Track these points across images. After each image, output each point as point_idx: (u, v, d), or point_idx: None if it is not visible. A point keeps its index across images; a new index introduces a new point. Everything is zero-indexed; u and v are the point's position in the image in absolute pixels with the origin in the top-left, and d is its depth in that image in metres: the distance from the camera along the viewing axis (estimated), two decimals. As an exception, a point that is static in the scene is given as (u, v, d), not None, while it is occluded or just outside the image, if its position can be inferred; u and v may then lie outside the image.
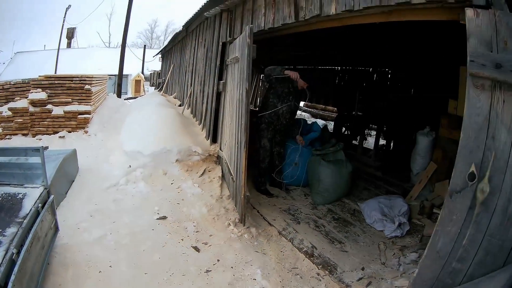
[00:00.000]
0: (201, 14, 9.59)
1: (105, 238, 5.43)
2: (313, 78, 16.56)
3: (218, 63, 8.38)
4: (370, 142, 13.61)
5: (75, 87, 11.40)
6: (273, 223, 6.55)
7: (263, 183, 8.06)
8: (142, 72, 39.66)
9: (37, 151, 4.28)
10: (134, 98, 22.54)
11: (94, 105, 11.85)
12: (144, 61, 40.87)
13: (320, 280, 5.04)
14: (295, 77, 7.19)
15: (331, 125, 15.20)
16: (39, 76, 11.26)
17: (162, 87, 19.14)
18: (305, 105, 25.30)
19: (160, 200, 6.80)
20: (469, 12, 2.95)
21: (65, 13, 37.56)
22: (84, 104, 11.28)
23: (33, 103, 10.64)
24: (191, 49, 12.63)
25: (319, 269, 5.25)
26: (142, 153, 7.80)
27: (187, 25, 12.91)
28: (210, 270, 5.01)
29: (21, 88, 11.18)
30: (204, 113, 9.48)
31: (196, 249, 5.49)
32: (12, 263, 3.19)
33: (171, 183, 7.40)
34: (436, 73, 9.94)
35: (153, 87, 30.83)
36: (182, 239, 5.69)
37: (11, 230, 3.49)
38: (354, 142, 12.31)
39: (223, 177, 7.66)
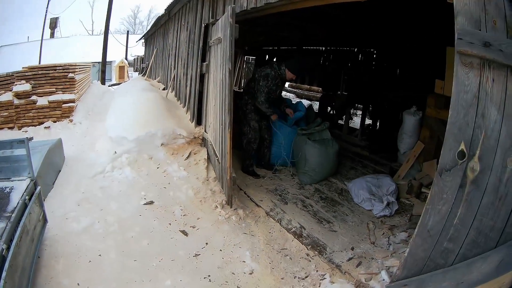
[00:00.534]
0: (183, -4, 9.44)
1: (93, 226, 5.38)
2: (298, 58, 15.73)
3: (201, 45, 8.33)
4: (356, 122, 13.75)
5: (58, 76, 11.28)
6: (260, 204, 6.56)
7: (250, 164, 8.06)
8: (126, 58, 39.04)
9: (22, 143, 4.24)
10: (118, 84, 22.38)
11: (78, 93, 11.79)
12: (128, 47, 40.76)
13: (310, 261, 5.05)
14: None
15: (316, 106, 15.08)
16: (23, 67, 11.14)
17: (145, 72, 19.05)
18: (290, 86, 25.24)
19: (147, 185, 6.76)
20: (457, -9, 2.89)
21: (48, 3, 37.14)
22: (68, 93, 11.20)
23: (18, 95, 10.51)
24: (174, 33, 12.56)
25: (308, 250, 5.25)
26: (127, 138, 7.71)
27: (170, 9, 12.86)
28: (199, 254, 5.01)
29: (5, 81, 10.90)
30: (188, 96, 9.45)
31: (184, 233, 5.48)
32: (2, 259, 3.13)
33: (157, 167, 7.35)
34: (422, 53, 9.90)
35: (137, 73, 30.67)
36: (170, 224, 5.69)
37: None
38: (339, 121, 12.22)
39: (208, 159, 7.64)
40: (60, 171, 7.24)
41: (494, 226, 2.85)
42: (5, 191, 4.01)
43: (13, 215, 3.62)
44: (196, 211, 6.11)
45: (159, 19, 16.35)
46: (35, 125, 10.52)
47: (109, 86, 18.64)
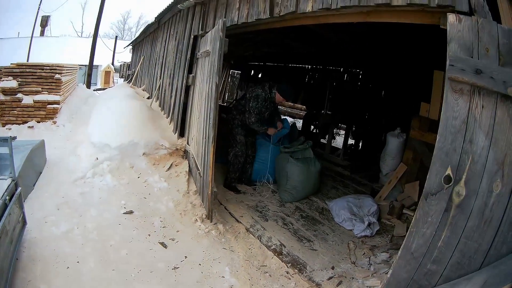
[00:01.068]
0: (174, 6, 9.50)
1: (72, 232, 5.30)
2: (283, 75, 16.49)
3: (188, 56, 8.27)
4: (338, 142, 13.70)
5: (45, 76, 10.99)
6: (240, 219, 6.50)
7: (234, 179, 8.01)
8: (113, 64, 38.94)
9: (5, 141, 4.17)
10: (103, 89, 22.29)
11: (63, 95, 11.57)
12: (115, 53, 40.48)
13: (290, 279, 5.00)
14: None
15: (299, 123, 15.12)
16: (11, 64, 10.96)
17: (131, 79, 18.93)
18: None
19: (127, 194, 6.69)
20: (451, 18, 2.93)
21: (40, 0, 36.96)
22: (53, 94, 10.96)
23: (4, 91, 10.31)
24: (162, 42, 12.50)
25: (288, 268, 5.20)
26: (109, 146, 7.66)
27: (160, 17, 12.84)
28: (178, 267, 4.93)
29: (-8, 75, 10.70)
30: (172, 107, 9.38)
31: (163, 245, 5.41)
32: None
33: (138, 177, 7.28)
34: (408, 75, 9.92)
35: (122, 79, 30.59)
36: (149, 235, 5.61)
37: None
38: (322, 140, 12.26)
39: (190, 172, 7.55)
40: (41, 173, 7.14)
41: (478, 249, 2.87)
42: (-15, 189, 3.94)
43: (-8, 214, 3.53)
44: (176, 223, 6.04)
45: (148, 27, 16.36)
46: (19, 124, 10.30)
47: (94, 90, 18.37)
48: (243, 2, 5.93)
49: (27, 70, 10.81)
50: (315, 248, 5.79)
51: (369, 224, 6.35)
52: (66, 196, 6.30)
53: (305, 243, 5.93)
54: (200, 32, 7.78)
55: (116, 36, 46.60)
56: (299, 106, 20.46)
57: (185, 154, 8.09)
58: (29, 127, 10.24)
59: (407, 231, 5.75)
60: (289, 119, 15.00)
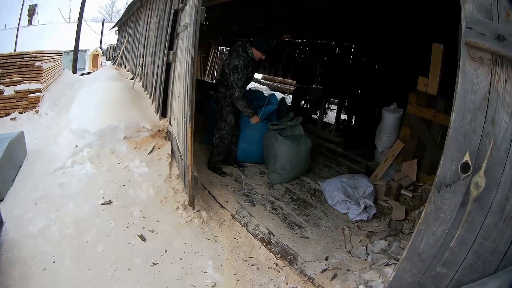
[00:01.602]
0: (155, -21, 9.01)
1: (49, 229, 4.94)
2: (273, 50, 15.82)
3: (169, 31, 7.81)
4: (330, 117, 13.27)
5: (26, 65, 10.71)
6: (225, 205, 6.02)
7: (218, 161, 7.47)
8: (100, 47, 38.67)
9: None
10: (90, 73, 21.85)
11: (45, 83, 11.33)
12: (103, 36, 40.15)
13: (279, 272, 4.63)
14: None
15: (290, 99, 14.76)
16: (-8, 55, 10.61)
17: (116, 60, 18.62)
18: (263, 78, 25.16)
19: (106, 182, 6.23)
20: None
21: None
22: (35, 82, 10.70)
23: (-15, 85, 9.96)
24: (145, 19, 12.08)
25: (277, 259, 4.81)
26: (89, 131, 7.25)
27: None
28: (157, 263, 4.55)
29: (-27, 69, 10.45)
30: (154, 86, 8.97)
31: (142, 238, 5.01)
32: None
33: (118, 163, 6.87)
34: (403, 48, 9.69)
35: (110, 61, 30.21)
36: (128, 227, 5.20)
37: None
38: (313, 116, 11.88)
39: (172, 154, 7.13)
40: (21, 166, 6.80)
41: (495, 250, 2.46)
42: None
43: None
44: (156, 212, 5.63)
45: (131, 5, 15.89)
46: (2, 116, 10.01)
47: (80, 75, 18.08)
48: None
49: (8, 60, 10.55)
50: (307, 236, 5.38)
51: (365, 207, 5.93)
52: (44, 190, 5.92)
53: (296, 230, 5.51)
54: (180, 5, 7.24)
55: (103, 19, 46.14)
56: (290, 81, 20.23)
57: (168, 135, 7.62)
58: (11, 119, 9.93)
59: (406, 215, 5.44)
60: (279, 95, 14.64)
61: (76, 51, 22.17)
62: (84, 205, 5.56)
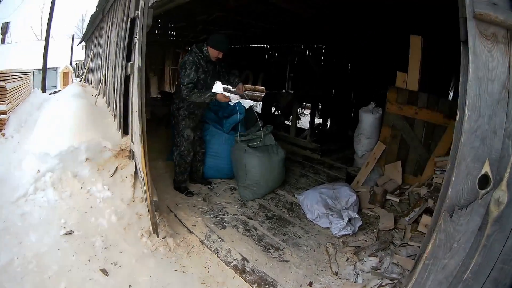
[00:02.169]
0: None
1: (12, 264, 4.52)
2: (241, 57, 16.16)
3: (126, 42, 7.22)
4: (304, 122, 12.94)
5: None
6: (193, 230, 5.47)
7: (183, 180, 6.87)
8: (71, 64, 38.31)
9: None
10: (59, 91, 21.46)
11: (11, 103, 10.72)
12: (73, 52, 39.66)
13: (258, 305, 4.07)
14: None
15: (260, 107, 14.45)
16: (-48, 77, 10.15)
17: (83, 77, 18.23)
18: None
19: (68, 210, 5.70)
20: None
21: None
22: None
23: None
24: (106, 32, 11.56)
25: (254, 290, 4.26)
26: (50, 155, 6.74)
27: (103, 6, 11.99)
28: (121, 302, 4.02)
29: None
30: (115, 102, 8.47)
31: (104, 272, 4.50)
32: None
33: (81, 187, 6.32)
34: (377, 44, 9.43)
35: (78, 78, 29.99)
36: (89, 260, 4.72)
37: None
38: (286, 122, 11.55)
39: (136, 174, 6.58)
40: None
41: None
42: None
43: None
44: (119, 241, 5.12)
45: (93, 18, 15.34)
46: (-32, 141, 9.57)
47: (50, 94, 17.55)
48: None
49: (-28, 81, 10.03)
50: (286, 259, 4.83)
51: (349, 220, 5.40)
52: (7, 220, 5.45)
53: (273, 253, 4.96)
54: (136, 12, 6.69)
55: (73, 35, 45.54)
56: (260, 88, 19.86)
57: (131, 154, 7.03)
58: None
59: (395, 223, 4.90)
60: (250, 103, 14.27)
61: (44, 69, 21.47)
62: (45, 237, 5.12)
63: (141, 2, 4.43)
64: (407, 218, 5.56)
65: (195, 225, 5.61)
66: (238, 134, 6.93)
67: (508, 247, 1.93)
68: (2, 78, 10.23)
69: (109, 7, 11.04)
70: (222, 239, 5.21)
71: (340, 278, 4.44)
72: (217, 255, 4.88)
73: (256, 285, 4.27)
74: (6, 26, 43.84)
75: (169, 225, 5.52)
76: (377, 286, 4.08)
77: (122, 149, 7.11)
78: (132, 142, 6.65)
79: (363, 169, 6.91)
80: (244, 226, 5.65)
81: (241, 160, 6.53)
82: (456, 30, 2.06)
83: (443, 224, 2.10)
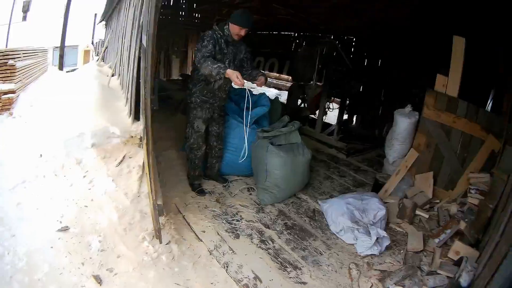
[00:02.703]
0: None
1: (2, 259, 4.26)
2: (266, 44, 15.95)
3: (141, 21, 6.57)
4: (329, 117, 12.19)
5: None
6: (202, 236, 4.86)
7: (196, 177, 6.25)
8: (92, 42, 38.22)
9: None
10: (75, 70, 21.26)
11: (20, 82, 10.53)
12: (94, 31, 39.67)
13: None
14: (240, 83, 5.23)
15: (284, 96, 13.98)
16: (-39, 55, 10.01)
17: (101, 56, 17.96)
18: None
19: (67, 202, 5.20)
20: None
21: None
22: (8, 82, 9.86)
23: (-44, 86, 9.36)
24: (124, 10, 11.11)
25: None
26: (54, 138, 6.46)
27: None
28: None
29: None
30: (127, 84, 8.00)
31: (98, 279, 4.03)
32: None
33: (84, 176, 5.81)
34: (416, 43, 8.79)
35: (98, 56, 30.10)
36: (83, 263, 4.26)
37: None
38: (312, 116, 11.06)
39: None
40: None
41: None
42: None
43: None
44: (117, 243, 4.58)
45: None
46: (-26, 120, 9.44)
47: (67, 72, 17.27)
48: None
49: (-20, 60, 9.91)
50: (304, 280, 4.24)
51: (376, 239, 4.79)
52: (2, 210, 5.10)
53: (290, 272, 4.35)
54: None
55: (96, 14, 45.57)
56: (285, 77, 19.35)
57: (142, 141, 6.41)
58: None
59: (424, 245, 4.90)
60: (274, 91, 13.85)
61: (62, 47, 20.97)
62: (39, 231, 4.75)
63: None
64: (436, 240, 5.01)
65: (204, 231, 5.03)
66: (261, 128, 6.34)
67: None
68: (11, 56, 10.04)
69: (127, -15, 10.54)
70: (233, 251, 4.63)
71: (363, 309, 3.84)
72: (226, 269, 4.31)
73: (267, 312, 3.66)
74: (28, 4, 44.12)
75: (175, 228, 4.97)
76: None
77: (132, 136, 6.63)
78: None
79: (393, 178, 6.35)
80: (260, 236, 5.04)
81: (262, 159, 5.93)
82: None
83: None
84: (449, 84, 5.94)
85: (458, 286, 3.62)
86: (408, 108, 6.79)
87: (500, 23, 5.94)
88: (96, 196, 5.41)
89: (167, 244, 4.57)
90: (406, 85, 8.84)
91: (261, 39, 16.24)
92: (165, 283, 4.05)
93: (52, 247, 4.47)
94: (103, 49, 17.42)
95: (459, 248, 4.42)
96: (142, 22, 5.59)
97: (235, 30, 5.39)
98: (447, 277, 4.09)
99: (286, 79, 19.77)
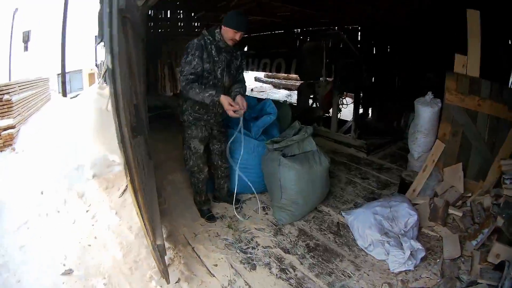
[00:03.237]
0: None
1: None
2: (269, 45, 15.51)
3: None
4: (343, 112, 11.67)
5: None
6: (214, 271, 4.27)
7: (203, 202, 5.56)
8: (96, 64, 38.33)
9: None
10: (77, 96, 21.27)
11: (20, 116, 10.48)
12: (97, 52, 39.86)
13: None
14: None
15: (294, 97, 13.57)
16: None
17: (101, 78, 17.85)
18: (265, 76, 24.65)
19: (70, 242, 4.97)
20: None
21: (13, 16, 36.43)
22: (6, 118, 9.81)
23: (-47, 126, 9.40)
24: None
25: None
26: (54, 172, 6.41)
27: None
28: None
29: None
30: None
31: None
32: None
33: (87, 211, 5.57)
34: (423, 21, 8.25)
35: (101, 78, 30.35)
36: None
37: None
38: (326, 115, 10.46)
39: (150, 191, 5.47)
40: None
41: None
42: None
43: None
44: (123, 285, 4.14)
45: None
46: (-22, 158, 9.43)
47: (71, 98, 17.23)
48: None
49: (-26, 97, 10.00)
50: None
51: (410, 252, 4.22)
52: (6, 254, 4.94)
53: (317, 305, 3.74)
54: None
55: (96, 36, 45.84)
56: (294, 76, 19.03)
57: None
58: None
59: (462, 249, 4.42)
60: (284, 92, 13.40)
61: (63, 73, 21.21)
62: (44, 276, 4.50)
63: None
64: (474, 242, 4.45)
65: (216, 265, 4.44)
66: (270, 140, 5.62)
67: None
68: (5, 91, 9.94)
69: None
70: (250, 286, 4.04)
71: None
72: (243, 310, 3.71)
73: None
74: (27, 34, 44.75)
75: (185, 263, 4.43)
76: None
77: (134, 162, 6.21)
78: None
79: (420, 175, 5.76)
80: (279, 264, 4.40)
81: (274, 174, 5.24)
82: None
83: None
84: (468, 63, 5.41)
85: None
86: (429, 95, 6.15)
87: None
88: (100, 232, 5.16)
89: (176, 282, 4.09)
90: (420, 70, 8.40)
91: (265, 40, 15.89)
92: (176, 326, 3.60)
93: (57, 293, 4.03)
94: (103, 70, 17.25)
95: (499, 249, 3.90)
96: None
97: (229, 34, 4.67)
98: (489, 285, 3.56)
99: (295, 79, 19.56)
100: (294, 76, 18.05)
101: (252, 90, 22.50)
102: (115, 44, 2.64)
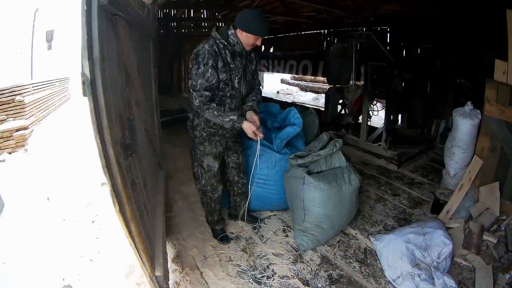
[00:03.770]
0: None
1: None
2: (294, 46, 15.15)
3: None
4: (373, 118, 11.16)
5: (7, 101, 10.09)
6: (225, 304, 3.70)
7: (216, 222, 4.94)
8: None
9: None
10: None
11: (33, 116, 10.83)
12: None
13: None
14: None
15: (322, 100, 13.18)
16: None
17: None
18: (291, 78, 24.56)
19: (74, 254, 4.91)
20: None
21: (34, 16, 36.74)
22: (19, 119, 10.19)
23: (-32, 128, 9.71)
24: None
25: None
26: (62, 177, 6.56)
27: None
28: None
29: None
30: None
31: None
32: None
33: (93, 221, 5.47)
34: (459, 23, 7.86)
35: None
36: None
37: None
38: (354, 122, 9.93)
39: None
40: None
41: None
42: None
43: None
44: None
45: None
46: (-8, 158, 9.52)
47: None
48: None
49: (-12, 99, 9.69)
50: None
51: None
52: (8, 264, 4.91)
53: None
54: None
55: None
56: (321, 78, 18.87)
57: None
58: (0, 161, 9.42)
59: (494, 284, 3.89)
60: (311, 95, 13.05)
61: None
62: None
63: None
64: (507, 276, 3.94)
65: (227, 295, 3.90)
66: (294, 154, 5.01)
67: None
68: (18, 92, 10.24)
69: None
70: (261, 325, 3.48)
71: None
72: None
73: None
74: (51, 33, 45.39)
75: (192, 288, 3.94)
76: None
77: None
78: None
79: (455, 195, 5.20)
80: None
81: (297, 193, 4.65)
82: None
83: None
84: (509, 70, 4.81)
85: None
86: (469, 106, 5.58)
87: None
88: (103, 247, 5.07)
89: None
90: (449, 74, 8.10)
91: (290, 41, 15.54)
92: None
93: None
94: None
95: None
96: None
97: (250, 40, 4.02)
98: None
99: (322, 81, 19.35)
100: (321, 78, 17.74)
101: (278, 92, 22.44)
102: (95, 48, 2.16)
